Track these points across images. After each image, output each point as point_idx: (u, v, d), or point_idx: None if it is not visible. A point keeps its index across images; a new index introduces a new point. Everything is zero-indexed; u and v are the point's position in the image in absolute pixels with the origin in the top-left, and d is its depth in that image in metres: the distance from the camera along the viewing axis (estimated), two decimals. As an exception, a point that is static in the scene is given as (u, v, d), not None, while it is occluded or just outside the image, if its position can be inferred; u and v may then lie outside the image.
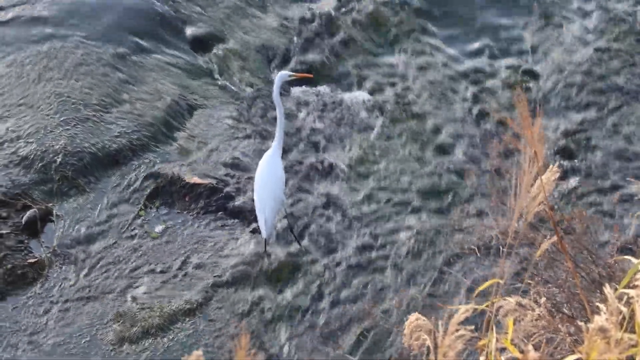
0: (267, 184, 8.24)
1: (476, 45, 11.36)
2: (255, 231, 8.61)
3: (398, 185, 9.30)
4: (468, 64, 11.00)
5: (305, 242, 8.63)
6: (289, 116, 10.02)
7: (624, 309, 3.75)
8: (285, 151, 9.41)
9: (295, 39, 11.28)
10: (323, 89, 10.59)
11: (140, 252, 8.53)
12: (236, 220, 8.84)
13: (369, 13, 11.64)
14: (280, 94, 8.51)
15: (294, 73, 8.90)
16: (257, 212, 8.26)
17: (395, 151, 9.72)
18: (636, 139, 9.75)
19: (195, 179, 9.16)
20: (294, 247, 8.55)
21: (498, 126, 9.86)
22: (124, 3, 11.40)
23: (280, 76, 8.47)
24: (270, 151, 8.38)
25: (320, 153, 9.65)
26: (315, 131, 9.93)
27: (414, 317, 4.18)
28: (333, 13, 11.62)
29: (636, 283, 3.43)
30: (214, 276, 8.28)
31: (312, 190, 9.22)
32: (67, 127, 9.61)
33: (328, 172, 9.43)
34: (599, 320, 3.48)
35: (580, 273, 5.58)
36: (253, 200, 8.41)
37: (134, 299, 8.06)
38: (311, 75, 9.93)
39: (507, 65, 10.96)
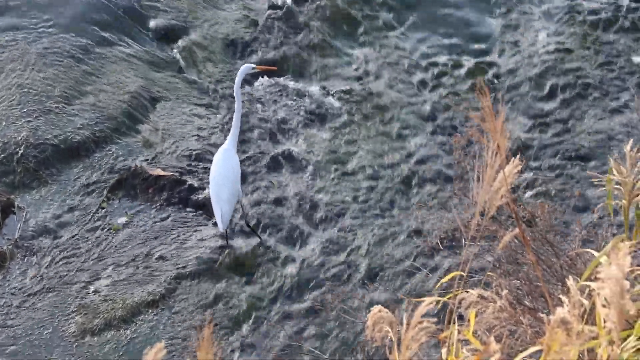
0: (223, 177, 8.22)
1: (440, 38, 11.37)
2: (214, 224, 8.60)
3: (361, 178, 9.30)
4: (431, 57, 11.01)
5: (266, 234, 8.62)
6: (252, 107, 10.00)
7: (585, 302, 3.77)
8: (246, 142, 9.40)
9: (259, 31, 11.25)
10: (286, 81, 10.57)
11: (103, 244, 8.49)
12: (199, 213, 8.82)
13: (333, 6, 11.62)
14: (243, 86, 8.50)
15: (257, 65, 8.89)
16: (214, 206, 8.25)
17: (358, 144, 9.72)
18: (597, 133, 9.80)
19: (159, 171, 9.12)
20: (256, 240, 8.53)
21: (461, 120, 9.88)
22: (87, -6, 11.34)
23: (244, 69, 8.45)
24: (225, 145, 8.36)
25: (281, 145, 9.63)
26: (277, 123, 9.92)
27: (376, 309, 4.17)
28: (297, 5, 11.60)
29: (597, 276, 3.44)
30: (177, 268, 8.26)
31: (273, 183, 9.19)
32: (30, 119, 9.56)
33: (289, 164, 9.42)
34: (560, 312, 3.50)
35: (542, 266, 5.60)
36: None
37: (97, 291, 8.03)
38: (275, 68, 9.93)
39: (470, 58, 10.98)
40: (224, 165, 8.27)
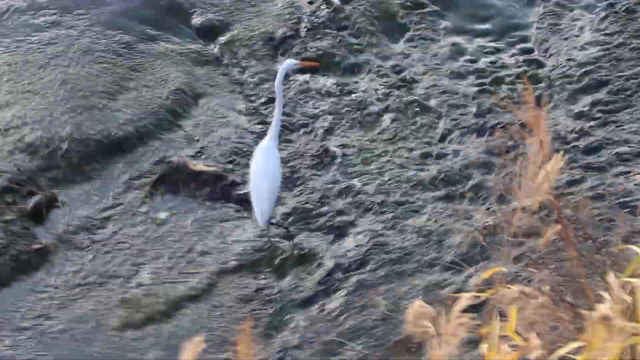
0: (263, 174, 8.19)
1: (483, 33, 11.27)
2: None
3: (403, 175, 9.23)
4: (474, 53, 10.92)
5: (309, 232, 8.60)
6: (292, 104, 10.00)
7: (628, 298, 3.75)
8: (285, 140, 9.40)
9: (302, 27, 11.23)
10: (328, 78, 10.54)
11: (145, 238, 8.52)
12: (241, 208, 8.80)
13: (379, 3, 11.57)
14: (285, 83, 8.48)
15: (300, 61, 8.87)
16: (254, 203, 8.24)
17: (400, 141, 9.66)
18: (643, 130, 9.70)
19: (201, 166, 9.14)
20: (297, 237, 8.52)
21: (504, 115, 9.80)
22: (129, -10, 11.39)
23: (286, 64, 8.44)
24: (265, 141, 8.32)
25: (324, 142, 9.60)
26: (319, 120, 9.90)
27: (417, 305, 4.18)
28: (343, 2, 11.56)
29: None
30: (218, 263, 8.26)
31: (315, 179, 9.17)
32: (73, 115, 9.63)
33: (332, 161, 9.38)
34: (602, 308, 3.48)
35: (584, 262, 5.57)
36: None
37: (139, 285, 8.06)
38: (317, 64, 9.89)
39: (513, 53, 10.88)
40: (265, 162, 8.25)
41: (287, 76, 8.81)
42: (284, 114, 8.90)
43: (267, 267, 8.26)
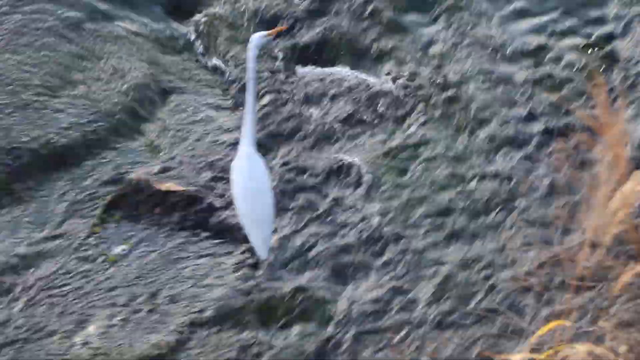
0: (255, 190, 8.18)
1: (538, 15, 11.29)
2: (247, 252, 8.55)
3: (433, 197, 9.23)
4: (526, 39, 10.95)
5: (312, 269, 8.57)
6: (292, 104, 10.00)
7: None
8: (282, 148, 9.39)
9: (299, 2, 11.25)
10: (339, 68, 10.57)
11: (95, 280, 8.48)
12: (222, 239, 8.80)
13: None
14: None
15: (268, 32, 8.80)
16: (249, 230, 8.21)
17: (430, 152, 9.68)
18: None
19: (169, 185, 9.14)
20: (295, 276, 8.47)
21: (565, 121, 9.79)
22: (77, -46, 11.41)
23: (256, 41, 8.40)
24: (243, 145, 8.31)
25: (333, 151, 9.60)
26: (327, 122, 9.91)
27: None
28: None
29: None
30: (191, 312, 8.23)
31: (320, 200, 9.17)
32: (0, 116, 9.62)
33: (343, 176, 9.37)
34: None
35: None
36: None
37: (86, 342, 8.01)
38: (284, 27, 9.98)
39: (578, 41, 10.89)
40: (252, 174, 8.25)
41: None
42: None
43: (255, 317, 8.21)
